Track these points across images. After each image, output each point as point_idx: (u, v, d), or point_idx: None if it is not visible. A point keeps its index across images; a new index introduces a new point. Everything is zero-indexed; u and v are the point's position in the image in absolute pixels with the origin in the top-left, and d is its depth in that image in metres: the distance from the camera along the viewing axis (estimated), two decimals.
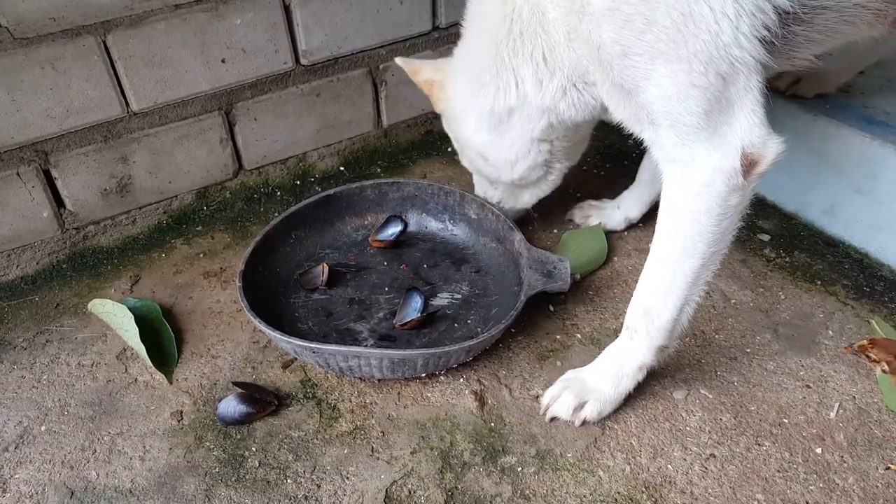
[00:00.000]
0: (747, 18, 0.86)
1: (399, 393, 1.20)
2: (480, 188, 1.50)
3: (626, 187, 1.52)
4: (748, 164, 0.93)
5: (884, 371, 1.11)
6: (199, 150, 1.57)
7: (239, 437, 1.14)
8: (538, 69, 1.11)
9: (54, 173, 1.44)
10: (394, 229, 1.47)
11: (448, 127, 1.40)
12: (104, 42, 1.37)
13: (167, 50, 1.43)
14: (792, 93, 1.46)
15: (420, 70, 1.35)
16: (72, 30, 1.32)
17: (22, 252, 1.47)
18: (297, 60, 1.60)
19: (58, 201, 1.47)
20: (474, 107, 1.24)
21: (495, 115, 1.22)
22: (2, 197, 1.39)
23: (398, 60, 1.39)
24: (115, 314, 1.32)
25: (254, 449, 1.11)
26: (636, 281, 1.10)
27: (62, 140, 1.42)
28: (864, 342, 1.14)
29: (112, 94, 1.41)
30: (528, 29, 1.07)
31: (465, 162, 1.45)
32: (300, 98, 1.63)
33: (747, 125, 0.92)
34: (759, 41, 0.88)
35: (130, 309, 1.31)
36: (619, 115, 1.02)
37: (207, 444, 1.13)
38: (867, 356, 1.14)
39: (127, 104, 1.45)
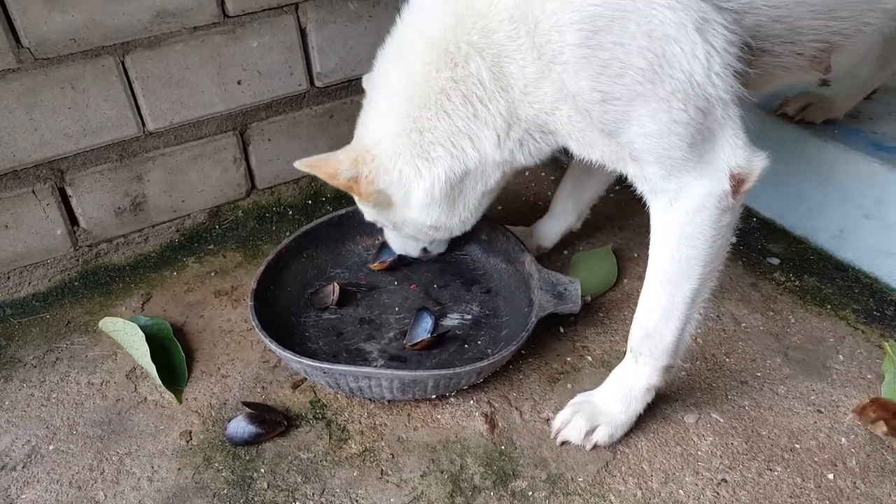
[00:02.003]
0: (718, 58, 0.89)
1: (409, 414, 1.19)
2: (400, 244, 1.41)
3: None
4: (736, 185, 0.96)
5: (884, 433, 1.09)
6: (213, 170, 1.59)
7: (248, 457, 1.13)
8: (498, 128, 1.05)
9: (69, 191, 1.46)
10: (391, 253, 1.47)
11: (381, 216, 1.23)
12: (123, 63, 1.39)
13: (184, 71, 1.45)
14: (800, 118, 1.47)
15: (338, 171, 1.12)
16: (92, 50, 1.35)
17: (34, 269, 1.48)
18: (311, 82, 1.62)
19: (72, 219, 1.49)
20: (422, 185, 1.12)
21: (448, 184, 1.12)
22: (17, 214, 1.40)
23: (298, 164, 1.14)
24: (125, 332, 1.32)
25: (263, 470, 1.11)
26: None
27: (78, 158, 1.44)
28: (867, 402, 1.12)
29: (129, 114, 1.44)
30: (488, 91, 1.01)
31: (394, 231, 1.31)
32: (313, 119, 1.66)
33: (731, 149, 0.95)
34: (733, 75, 0.91)
35: (141, 327, 1.31)
36: (595, 155, 1.02)
37: (216, 464, 1.12)
38: (869, 414, 1.10)
39: (143, 124, 1.47)
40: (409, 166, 1.11)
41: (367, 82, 1.34)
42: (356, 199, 1.26)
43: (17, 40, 1.28)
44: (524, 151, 1.09)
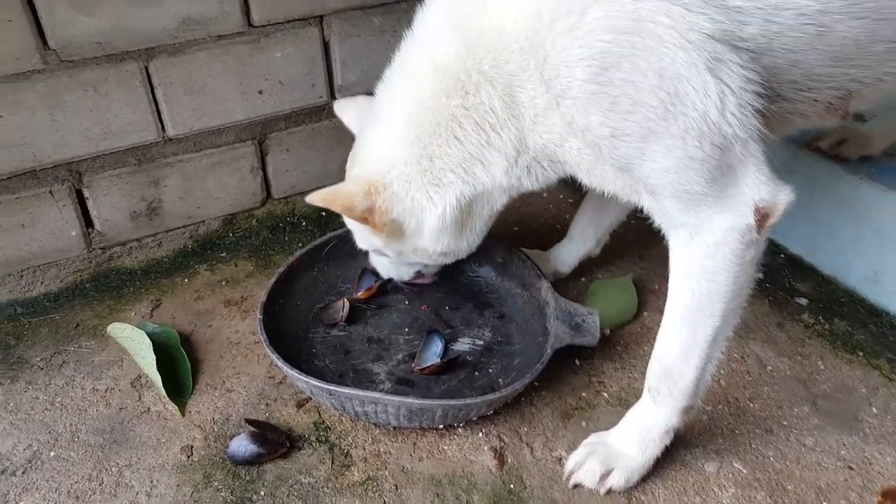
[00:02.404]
0: (733, 97, 0.85)
1: (415, 443, 1.16)
2: (391, 269, 1.35)
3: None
4: (761, 219, 0.92)
5: None
6: (230, 178, 1.58)
7: (248, 478, 1.10)
8: (508, 155, 1.03)
9: (86, 193, 1.45)
10: (369, 282, 1.41)
11: (388, 246, 1.18)
12: (146, 68, 1.39)
13: (207, 79, 1.44)
14: (835, 154, 1.42)
15: (353, 204, 1.06)
16: (116, 55, 1.35)
17: (47, 269, 1.47)
18: (332, 95, 1.60)
19: (87, 221, 1.48)
20: (434, 213, 1.09)
21: (459, 210, 1.10)
22: (33, 214, 1.40)
23: (311, 199, 1.07)
24: (133, 340, 1.30)
25: (262, 493, 1.08)
26: None
27: (97, 161, 1.43)
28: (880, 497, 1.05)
29: (150, 119, 1.43)
30: (500, 120, 0.99)
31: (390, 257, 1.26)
32: (332, 131, 1.63)
33: (754, 183, 0.91)
34: (752, 114, 0.87)
35: (149, 334, 1.30)
36: (608, 187, 0.99)
37: (216, 483, 1.10)
38: None
39: (163, 129, 1.46)
40: (422, 193, 1.08)
41: (341, 110, 1.32)
42: (355, 227, 1.21)
43: (44, 42, 1.27)
44: (531, 178, 1.07)
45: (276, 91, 1.52)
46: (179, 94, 1.43)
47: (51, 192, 1.40)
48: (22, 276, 1.45)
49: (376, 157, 1.10)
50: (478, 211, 1.13)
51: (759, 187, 0.91)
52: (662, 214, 0.97)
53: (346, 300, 1.37)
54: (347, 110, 1.30)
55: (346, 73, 1.58)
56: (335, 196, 1.08)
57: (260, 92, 1.51)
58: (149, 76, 1.39)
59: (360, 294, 1.41)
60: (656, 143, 0.88)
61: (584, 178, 1.01)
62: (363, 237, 1.22)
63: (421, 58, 1.03)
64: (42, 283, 1.48)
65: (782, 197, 0.92)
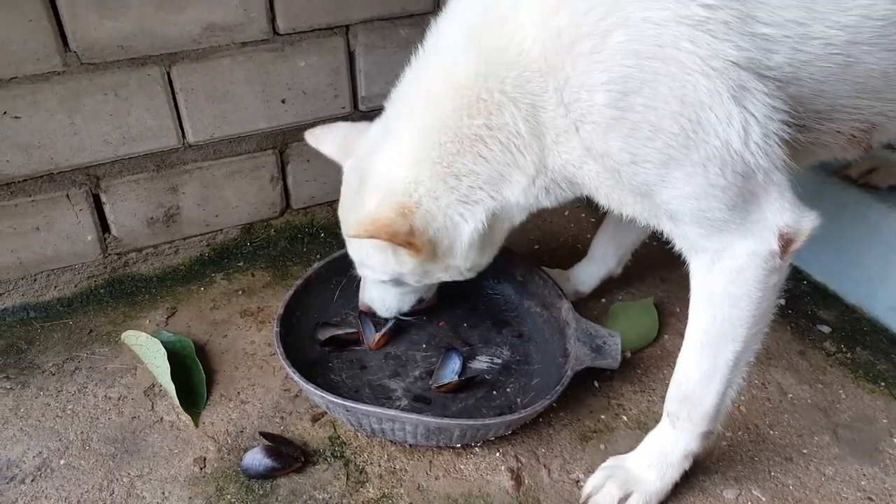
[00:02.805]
0: (757, 127, 0.84)
1: (431, 462, 1.14)
2: (393, 303, 1.29)
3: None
4: (785, 244, 0.90)
5: None
6: (250, 187, 1.57)
7: (261, 492, 1.09)
8: (528, 174, 1.01)
9: (103, 198, 1.44)
10: (373, 329, 1.34)
11: (416, 271, 1.14)
12: (168, 73, 1.38)
13: (229, 86, 1.43)
14: (864, 182, 1.40)
15: (394, 228, 1.02)
16: (138, 59, 1.34)
17: (61, 273, 1.46)
18: (355, 106, 1.59)
19: (103, 226, 1.47)
20: (467, 229, 1.07)
21: (486, 226, 1.08)
22: (49, 217, 1.39)
23: (353, 234, 1.04)
24: (147, 348, 1.29)
25: None
26: None
27: (115, 166, 1.42)
28: None
29: (170, 125, 1.42)
30: (525, 140, 0.97)
31: (397, 287, 1.23)
32: None
33: (778, 209, 0.90)
34: (777, 143, 0.86)
35: (164, 343, 1.28)
36: (627, 211, 0.97)
37: (228, 496, 1.08)
38: None
39: (184, 135, 1.45)
40: (453, 210, 1.06)
41: (318, 140, 1.25)
42: (374, 257, 1.14)
43: (66, 44, 1.27)
44: (549, 198, 1.06)
45: (298, 100, 1.51)
46: (201, 101, 1.42)
47: (67, 195, 1.39)
48: (35, 280, 1.44)
49: (397, 178, 1.06)
50: (499, 227, 1.12)
51: (782, 213, 0.89)
52: (683, 239, 0.95)
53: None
54: (325, 139, 1.25)
55: (370, 85, 1.57)
56: (376, 224, 1.02)
57: (283, 101, 1.50)
58: (170, 81, 1.38)
59: (373, 345, 1.33)
60: (677, 169, 0.86)
61: (602, 201, 1.00)
62: (384, 266, 1.15)
63: (438, 75, 1.00)
64: (56, 287, 1.47)
65: (806, 223, 0.91)
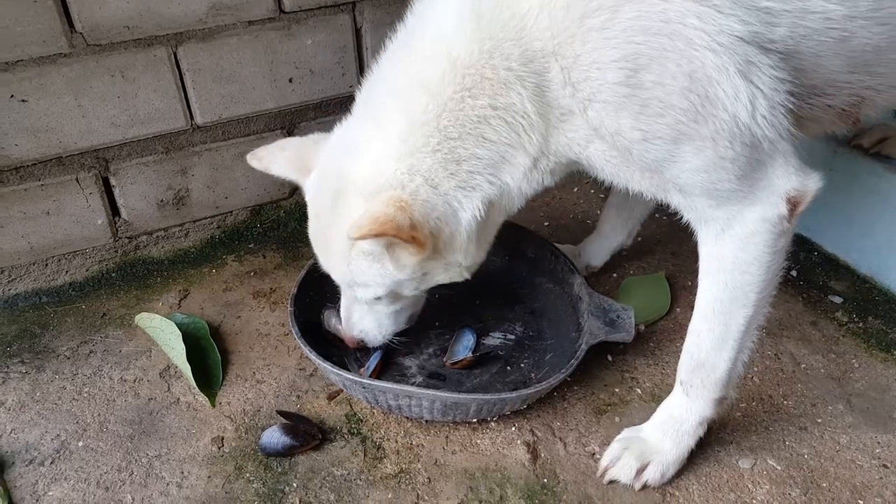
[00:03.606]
0: (763, 100, 0.84)
1: (447, 437, 1.15)
2: (387, 323, 1.19)
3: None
4: (792, 207, 0.92)
5: None
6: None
7: (280, 470, 1.09)
8: (531, 156, 0.97)
9: (113, 181, 1.43)
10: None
11: (416, 274, 1.05)
12: (175, 54, 1.37)
13: (236, 66, 1.43)
14: (876, 151, 1.40)
15: (397, 223, 0.94)
16: (144, 39, 1.33)
17: (73, 258, 1.46)
18: None
19: (113, 209, 1.47)
20: (465, 217, 1.01)
21: (480, 213, 1.01)
22: (59, 201, 1.39)
23: (355, 235, 0.94)
24: (162, 330, 1.29)
25: (295, 485, 1.07)
26: None
27: (124, 149, 1.41)
28: None
29: (178, 107, 1.41)
30: (531, 120, 0.93)
31: (394, 304, 1.15)
32: None
33: (784, 174, 0.91)
34: (783, 114, 0.86)
35: (178, 325, 1.28)
36: (634, 186, 0.97)
37: (247, 475, 1.09)
38: None
39: (192, 117, 1.44)
40: (453, 199, 1.00)
41: (263, 160, 1.14)
42: (369, 268, 1.04)
43: (71, 24, 1.25)
44: (553, 178, 1.02)
45: (306, 80, 1.50)
46: (208, 81, 1.41)
47: (77, 179, 1.39)
48: (47, 265, 1.44)
49: (385, 173, 0.98)
50: (494, 217, 1.06)
51: (789, 177, 0.91)
52: (692, 210, 0.96)
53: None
54: (274, 160, 1.14)
55: None
56: (377, 222, 0.93)
57: (290, 80, 1.49)
58: (177, 62, 1.37)
59: (372, 374, 1.22)
60: (687, 144, 0.87)
61: (607, 178, 0.99)
62: (381, 276, 1.05)
63: (433, 58, 0.94)
64: (67, 272, 1.47)
65: (811, 184, 0.92)
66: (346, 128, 1.07)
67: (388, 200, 0.96)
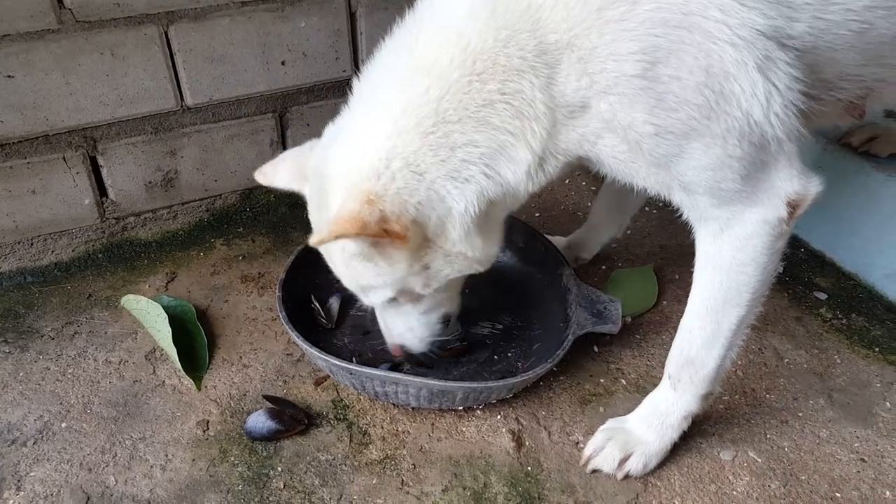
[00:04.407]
0: (778, 97, 0.84)
1: (433, 424, 1.15)
2: (418, 327, 1.15)
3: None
4: (791, 210, 0.92)
5: None
6: (249, 151, 1.55)
7: (265, 454, 1.09)
8: (535, 151, 0.93)
9: (100, 161, 1.42)
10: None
11: (417, 269, 1.01)
12: (166, 33, 1.35)
13: (228, 47, 1.41)
14: (865, 150, 1.41)
15: (361, 220, 0.89)
16: (135, 17, 1.31)
17: (59, 238, 1.44)
18: (356, 69, 1.56)
19: (101, 189, 1.45)
20: (457, 208, 0.95)
21: (475, 209, 0.96)
22: (45, 180, 1.37)
23: (314, 243, 0.91)
24: (148, 312, 1.28)
25: (279, 469, 1.07)
26: None
27: (112, 128, 1.40)
28: None
29: (168, 87, 1.39)
30: (538, 111, 0.90)
31: (420, 305, 1.11)
32: None
33: (787, 176, 0.91)
34: (794, 114, 0.86)
35: (165, 307, 1.28)
36: (638, 182, 0.96)
37: (232, 458, 1.09)
38: None
39: (182, 98, 1.43)
40: (441, 187, 0.94)
41: (269, 175, 1.13)
42: (367, 270, 1.00)
43: (60, 0, 1.23)
44: (557, 173, 0.99)
45: (299, 63, 1.49)
46: (199, 62, 1.40)
47: (64, 158, 1.37)
48: (32, 245, 1.42)
49: (362, 163, 0.93)
50: (496, 214, 1.03)
51: (791, 180, 0.91)
52: (693, 209, 0.96)
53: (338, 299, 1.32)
54: (277, 173, 1.13)
55: (371, 47, 1.48)
56: (339, 223, 0.89)
57: (282, 63, 1.48)
58: (168, 41, 1.36)
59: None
60: (696, 141, 0.86)
61: (612, 173, 0.98)
62: (379, 275, 1.01)
63: (442, 38, 0.93)
64: (53, 251, 1.45)
65: (812, 188, 0.92)
66: (335, 124, 1.04)
67: (356, 195, 0.91)
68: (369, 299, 1.09)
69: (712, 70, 0.81)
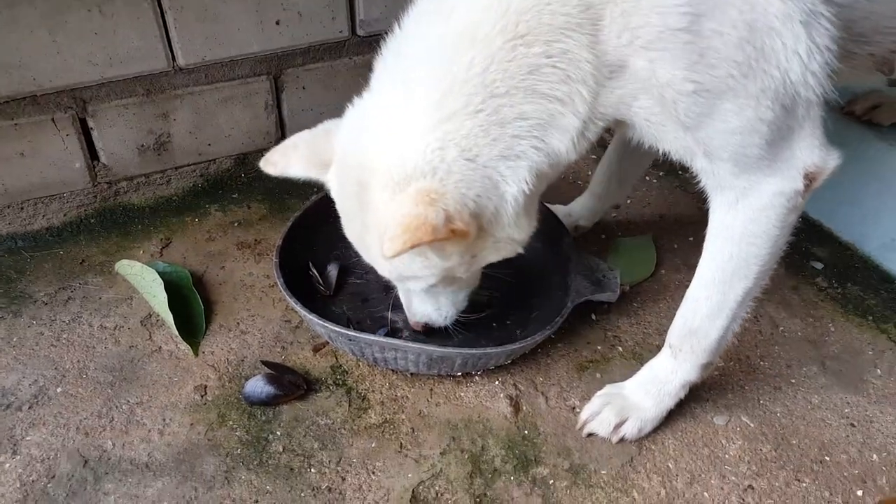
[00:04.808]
0: (818, 55, 0.82)
1: (432, 389, 1.16)
2: (446, 305, 1.13)
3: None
4: (808, 183, 0.92)
5: None
6: (243, 114, 1.52)
7: (264, 418, 1.10)
8: (580, 117, 0.89)
9: (91, 123, 1.38)
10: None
11: (465, 258, 0.98)
12: None
13: (220, 5, 1.36)
14: (867, 119, 1.40)
15: (430, 223, 0.85)
16: None
17: (50, 202, 1.42)
18: (353, 30, 1.53)
19: (91, 153, 1.42)
20: (510, 191, 0.91)
21: (528, 186, 0.92)
22: (34, 142, 1.33)
23: (391, 253, 0.84)
24: (143, 277, 1.27)
25: (278, 433, 1.08)
26: (683, 296, 1.06)
27: (102, 89, 1.36)
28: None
29: (159, 46, 1.35)
30: (585, 73, 0.86)
31: (444, 287, 1.07)
32: (352, 70, 1.57)
33: (808, 147, 0.90)
34: (827, 75, 0.85)
35: (160, 273, 1.26)
36: (663, 146, 0.95)
37: (230, 423, 1.09)
38: None
39: (173, 58, 1.39)
40: (493, 171, 0.89)
41: (277, 163, 1.05)
42: (409, 262, 0.96)
43: None
44: (591, 141, 0.95)
45: (294, 23, 1.45)
46: (191, 21, 1.35)
47: (53, 119, 1.33)
48: (22, 209, 1.40)
49: (416, 150, 0.87)
50: (538, 189, 0.96)
51: (812, 151, 0.90)
52: (712, 176, 0.94)
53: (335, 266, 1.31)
54: (289, 161, 1.05)
55: (368, 7, 1.51)
56: (409, 230, 0.83)
57: (277, 23, 1.43)
58: None
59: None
60: (731, 101, 0.84)
61: (639, 136, 0.95)
62: (430, 268, 0.97)
63: (480, 10, 0.85)
64: (44, 216, 1.43)
65: (831, 161, 0.92)
66: (362, 105, 0.96)
67: (416, 196, 0.85)
68: (407, 286, 1.06)
69: (756, 24, 0.80)
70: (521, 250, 1.04)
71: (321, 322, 1.12)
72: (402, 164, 0.87)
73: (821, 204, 1.49)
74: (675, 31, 0.81)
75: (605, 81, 0.88)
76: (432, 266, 0.97)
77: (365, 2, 1.50)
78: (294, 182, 1.71)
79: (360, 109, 0.96)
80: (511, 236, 0.98)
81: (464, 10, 0.86)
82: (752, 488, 1.03)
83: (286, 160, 1.05)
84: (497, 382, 1.17)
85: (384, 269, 1.02)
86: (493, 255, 1.02)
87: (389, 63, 0.92)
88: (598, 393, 1.13)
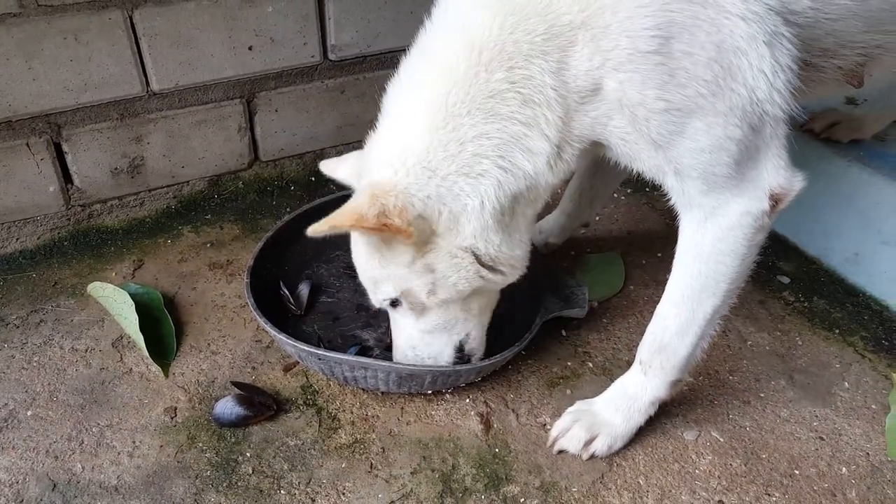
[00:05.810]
0: (782, 74, 0.86)
1: (402, 408, 1.16)
2: (440, 338, 1.11)
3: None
4: (774, 204, 0.94)
5: None
6: (216, 137, 1.54)
7: (233, 440, 1.09)
8: (552, 140, 0.92)
9: (65, 147, 1.40)
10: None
11: (424, 267, 1.00)
12: (131, 17, 1.33)
13: (194, 31, 1.39)
14: (826, 136, 1.44)
15: (360, 212, 0.92)
16: (99, 1, 1.29)
17: (23, 225, 1.43)
18: (324, 55, 1.56)
19: (66, 176, 1.43)
20: (471, 204, 0.95)
21: (495, 203, 0.95)
22: (8, 167, 1.35)
23: (312, 232, 0.94)
24: (114, 299, 1.27)
25: (248, 454, 1.07)
26: (652, 312, 1.07)
27: (77, 114, 1.38)
28: None
29: (133, 72, 1.38)
30: (548, 98, 0.90)
31: (424, 317, 1.08)
32: (324, 93, 1.60)
33: (774, 168, 0.93)
34: (790, 93, 0.88)
35: (132, 295, 1.27)
36: (637, 166, 0.98)
37: (200, 444, 1.09)
38: None
39: (147, 83, 1.41)
40: (452, 184, 0.94)
41: (331, 168, 1.18)
42: (376, 269, 1.03)
43: None
44: (572, 164, 0.98)
45: (266, 48, 1.48)
46: (165, 47, 1.38)
47: (27, 144, 1.35)
48: None
49: (382, 158, 0.97)
50: (519, 210, 1.00)
51: (777, 172, 0.93)
52: (682, 195, 0.97)
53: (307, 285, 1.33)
54: (339, 167, 1.18)
55: (339, 33, 1.54)
56: (339, 215, 0.92)
57: (250, 48, 1.46)
58: (133, 26, 1.34)
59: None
60: (700, 119, 0.87)
61: (616, 156, 0.98)
62: (382, 267, 1.02)
63: (451, 40, 0.93)
64: (17, 239, 1.43)
65: (796, 183, 0.94)
66: (376, 129, 1.05)
67: (365, 189, 0.95)
68: (376, 296, 1.09)
69: (723, 45, 0.83)
70: (513, 277, 1.04)
71: (290, 342, 1.12)
72: (376, 169, 0.98)
73: (786, 219, 1.48)
74: (645, 54, 0.85)
75: (577, 105, 0.91)
76: (385, 265, 1.02)
77: (336, 27, 1.53)
78: (266, 203, 1.73)
79: (375, 132, 1.07)
80: (478, 248, 0.98)
81: (437, 42, 0.97)
82: (723, 503, 1.04)
83: (336, 166, 1.19)
84: (468, 400, 1.18)
85: (359, 266, 1.10)
86: (455, 276, 1.01)
87: (389, 96, 1.04)
88: (569, 409, 1.13)
